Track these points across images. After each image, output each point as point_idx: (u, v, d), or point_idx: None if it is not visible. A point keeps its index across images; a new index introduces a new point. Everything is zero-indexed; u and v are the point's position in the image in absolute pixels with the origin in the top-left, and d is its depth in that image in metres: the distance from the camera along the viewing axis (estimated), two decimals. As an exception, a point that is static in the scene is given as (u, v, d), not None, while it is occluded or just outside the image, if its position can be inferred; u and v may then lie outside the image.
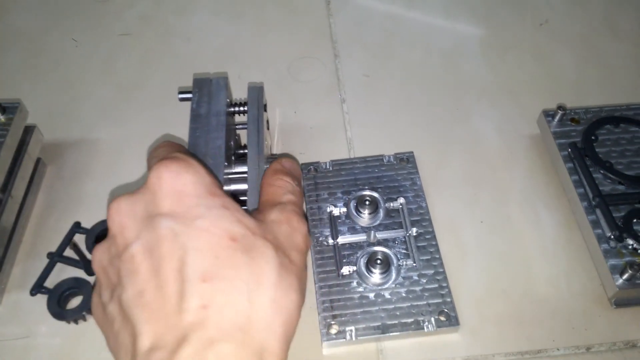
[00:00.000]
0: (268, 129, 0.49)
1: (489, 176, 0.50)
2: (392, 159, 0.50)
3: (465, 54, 0.59)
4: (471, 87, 0.57)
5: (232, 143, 0.44)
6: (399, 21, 0.63)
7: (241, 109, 0.44)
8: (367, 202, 0.46)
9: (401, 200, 0.46)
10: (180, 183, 0.29)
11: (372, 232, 0.44)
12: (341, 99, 0.56)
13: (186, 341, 0.25)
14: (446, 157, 0.51)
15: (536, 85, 0.56)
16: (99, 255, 0.30)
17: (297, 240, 0.31)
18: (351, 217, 0.46)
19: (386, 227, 0.45)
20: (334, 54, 0.60)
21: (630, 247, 0.40)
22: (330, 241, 0.44)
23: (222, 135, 0.40)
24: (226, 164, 0.39)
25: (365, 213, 0.46)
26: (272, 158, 0.41)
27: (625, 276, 0.39)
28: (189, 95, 0.42)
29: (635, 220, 0.41)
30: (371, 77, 0.58)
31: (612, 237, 0.40)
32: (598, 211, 0.41)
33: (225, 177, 0.38)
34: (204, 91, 0.42)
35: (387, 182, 0.48)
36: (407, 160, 0.50)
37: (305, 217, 0.43)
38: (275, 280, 0.28)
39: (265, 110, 0.45)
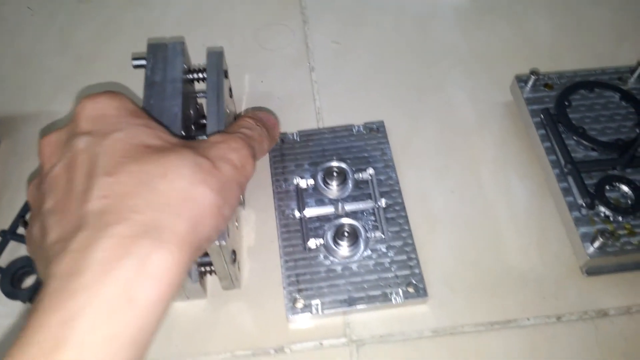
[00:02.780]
0: (231, 96, 0.47)
1: (461, 145, 0.48)
2: (361, 129, 0.48)
3: (440, 20, 0.57)
4: (445, 54, 0.55)
5: (191, 112, 0.42)
6: (371, -14, 0.60)
7: (200, 75, 0.42)
8: (335, 174, 0.44)
9: (370, 171, 0.45)
10: (101, 107, 0.29)
11: (340, 204, 0.43)
12: (310, 68, 0.54)
13: (82, 227, 0.25)
14: (418, 126, 0.50)
15: (511, 51, 0.55)
16: (31, 191, 0.31)
17: (231, 156, 0.30)
18: (319, 189, 0.44)
19: (355, 199, 0.44)
20: (302, 20, 0.58)
21: (602, 214, 0.39)
22: (297, 214, 0.43)
23: (178, 103, 0.38)
24: (184, 133, 0.37)
25: (334, 185, 0.44)
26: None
27: (596, 244, 0.38)
28: (143, 62, 0.40)
29: (607, 188, 0.40)
30: (341, 45, 0.56)
31: (584, 204, 0.39)
32: (570, 178, 0.40)
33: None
34: (159, 57, 0.40)
35: (357, 153, 0.46)
36: (377, 129, 0.48)
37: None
38: (185, 173, 0.27)
39: (226, 77, 0.43)
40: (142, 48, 0.54)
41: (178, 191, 0.26)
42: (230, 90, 0.46)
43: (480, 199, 0.45)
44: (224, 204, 0.29)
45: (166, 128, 0.31)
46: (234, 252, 0.37)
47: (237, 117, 0.49)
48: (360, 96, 0.52)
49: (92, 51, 0.55)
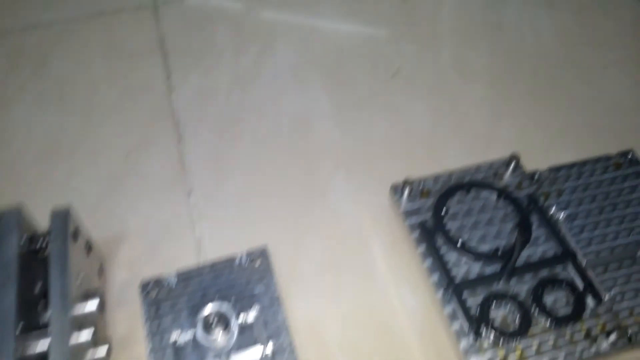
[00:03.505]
0: (90, 251, 0.42)
1: (350, 260, 0.46)
2: (244, 259, 0.45)
3: (318, 117, 0.56)
4: (326, 155, 0.53)
5: (37, 288, 0.37)
6: (246, 89, 0.58)
7: (45, 242, 0.38)
8: (216, 321, 0.41)
9: (255, 311, 0.42)
10: None
11: (223, 358, 0.39)
12: (187, 190, 0.51)
13: None
14: (303, 244, 0.47)
15: (391, 144, 0.54)
16: None
17: None
18: (199, 343, 0.40)
19: (241, 347, 0.40)
20: (177, 137, 0.55)
21: (490, 339, 0.37)
22: (174, 379, 0.39)
23: (12, 292, 0.33)
24: (23, 323, 0.33)
25: (216, 334, 0.41)
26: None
27: (488, 374, 0.36)
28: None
29: (493, 305, 0.38)
30: (219, 160, 0.53)
31: (470, 331, 0.37)
32: (454, 300, 0.39)
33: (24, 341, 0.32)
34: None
35: (240, 290, 0.43)
36: (260, 256, 0.45)
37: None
38: None
39: (76, 240, 0.39)
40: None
41: None
42: (89, 244, 0.42)
43: (374, 323, 0.42)
44: None
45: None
46: None
47: (101, 268, 0.44)
48: (243, 216, 0.49)
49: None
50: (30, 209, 0.45)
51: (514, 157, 0.45)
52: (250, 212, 0.49)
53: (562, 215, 0.46)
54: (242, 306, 0.42)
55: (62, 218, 0.38)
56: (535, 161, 0.50)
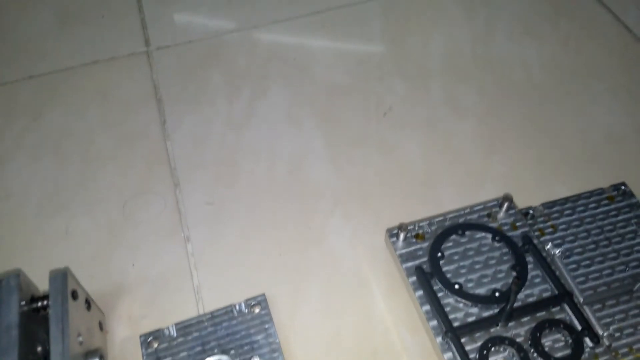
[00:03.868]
0: (89, 309, 0.43)
1: (349, 303, 0.46)
2: (243, 308, 0.45)
3: (313, 158, 0.56)
4: (322, 196, 0.54)
5: (39, 349, 0.38)
6: (240, 132, 0.59)
7: (45, 303, 0.38)
8: (216, 375, 0.41)
9: (254, 361, 0.42)
10: None
11: (224, 413, 0.39)
12: (185, 238, 0.51)
13: None
14: (302, 288, 0.47)
15: (387, 182, 0.54)
16: None
17: None
18: (199, 398, 0.40)
19: (241, 399, 0.40)
20: (173, 183, 0.55)
21: (490, 383, 0.37)
22: None
23: (13, 357, 0.34)
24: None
25: (216, 388, 0.41)
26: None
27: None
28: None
29: (493, 350, 0.38)
30: (216, 205, 0.53)
31: (470, 378, 0.37)
32: (452, 346, 0.39)
33: None
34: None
35: (240, 340, 0.43)
36: (259, 304, 0.45)
37: None
38: None
39: (75, 299, 0.39)
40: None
41: None
42: (88, 301, 0.42)
43: (374, 370, 0.42)
44: None
45: None
46: None
47: (102, 323, 0.45)
48: (241, 263, 0.49)
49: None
50: (30, 263, 0.46)
51: (507, 198, 0.46)
52: (248, 258, 0.50)
53: (557, 252, 0.46)
54: (242, 357, 0.42)
55: (61, 280, 0.39)
56: (530, 195, 0.51)
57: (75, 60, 0.65)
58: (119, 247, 0.51)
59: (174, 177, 0.56)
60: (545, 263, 0.43)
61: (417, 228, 0.45)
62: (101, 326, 0.44)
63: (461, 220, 0.46)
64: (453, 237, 0.45)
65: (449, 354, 0.39)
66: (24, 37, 0.68)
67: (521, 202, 0.50)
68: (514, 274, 0.42)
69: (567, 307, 0.41)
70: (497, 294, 0.41)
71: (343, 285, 0.47)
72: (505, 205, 0.46)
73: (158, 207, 0.53)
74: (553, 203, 0.50)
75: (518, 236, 0.45)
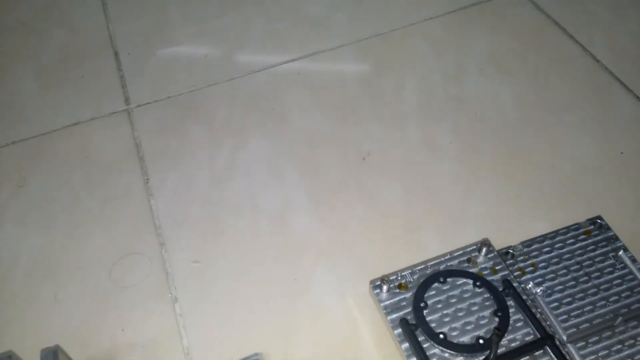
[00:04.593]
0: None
1: (340, 356, 0.47)
2: (234, 368, 0.45)
3: (295, 208, 0.57)
4: (306, 247, 0.54)
5: None
6: (223, 186, 0.60)
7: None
8: None
9: None
10: None
11: None
12: (173, 298, 0.52)
13: None
14: (294, 343, 0.48)
15: (369, 228, 0.55)
16: None
17: None
18: None
19: None
20: (159, 243, 0.56)
21: None
22: None
23: None
24: None
25: None
26: None
27: None
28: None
29: (478, 399, 0.39)
30: (202, 263, 0.54)
31: None
32: (441, 399, 0.39)
33: None
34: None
35: (230, 402, 0.43)
36: (250, 365, 0.46)
37: None
38: None
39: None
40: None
41: None
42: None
43: None
44: None
45: None
46: None
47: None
48: (229, 321, 0.50)
49: None
50: (22, 333, 0.47)
51: (485, 243, 0.47)
52: (237, 316, 0.50)
53: (539, 291, 0.47)
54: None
55: (52, 358, 0.39)
56: (509, 234, 0.52)
57: (57, 122, 0.66)
58: (108, 313, 0.51)
59: (159, 236, 0.56)
60: (525, 306, 0.44)
61: (399, 278, 0.46)
62: (92, 398, 0.44)
63: (442, 267, 0.47)
64: (435, 284, 0.45)
65: (437, 407, 0.39)
66: (5, 102, 0.69)
67: (501, 241, 0.51)
68: (496, 320, 0.43)
69: (549, 350, 0.41)
70: (481, 341, 0.42)
71: (333, 337, 0.48)
72: (484, 249, 0.47)
73: (145, 268, 0.54)
74: (532, 241, 0.51)
75: (498, 280, 0.46)
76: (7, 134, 0.66)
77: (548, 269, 0.48)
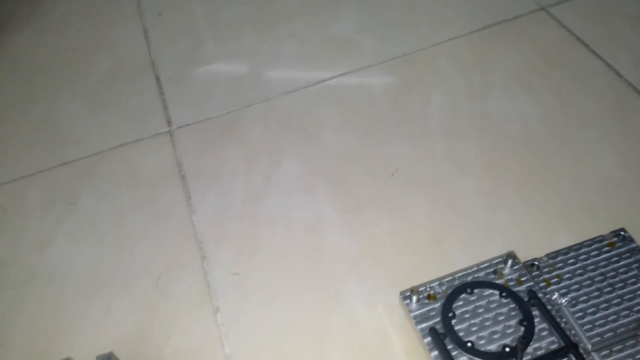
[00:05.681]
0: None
1: (371, 365, 0.49)
2: (272, 374, 0.48)
3: (326, 223, 0.60)
4: (338, 260, 0.57)
5: None
6: (259, 202, 0.63)
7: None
8: None
9: None
10: None
11: None
12: (214, 309, 0.55)
13: None
14: (325, 352, 0.51)
15: (398, 241, 0.58)
16: None
17: None
18: None
19: None
20: (200, 256, 0.59)
21: None
22: None
23: None
24: None
25: None
26: None
27: None
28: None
29: (505, 404, 0.41)
30: (240, 275, 0.58)
31: None
32: (469, 404, 0.41)
33: None
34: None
35: (270, 406, 0.46)
36: (287, 369, 0.49)
37: None
38: None
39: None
40: (49, 327, 0.55)
41: None
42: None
43: None
44: None
45: None
46: None
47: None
48: (267, 330, 0.53)
49: (-4, 343, 0.55)
50: (76, 344, 0.51)
51: (510, 255, 0.49)
52: (274, 324, 0.53)
53: (564, 301, 0.49)
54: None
55: None
56: (534, 246, 0.54)
57: (104, 144, 0.71)
58: (155, 322, 0.55)
59: (200, 250, 0.60)
60: (550, 316, 0.46)
61: (428, 289, 0.49)
62: (144, 401, 0.48)
63: (469, 278, 0.49)
64: (463, 295, 0.48)
65: (466, 411, 0.41)
66: (56, 125, 0.75)
67: (526, 254, 0.53)
68: (522, 329, 0.45)
69: (573, 358, 0.43)
70: (507, 349, 0.44)
71: (365, 346, 0.51)
72: (510, 262, 0.49)
73: (188, 280, 0.58)
74: (557, 253, 0.53)
75: (524, 291, 0.48)
76: (59, 156, 0.71)
77: (573, 280, 0.50)
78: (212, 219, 0.62)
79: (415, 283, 0.50)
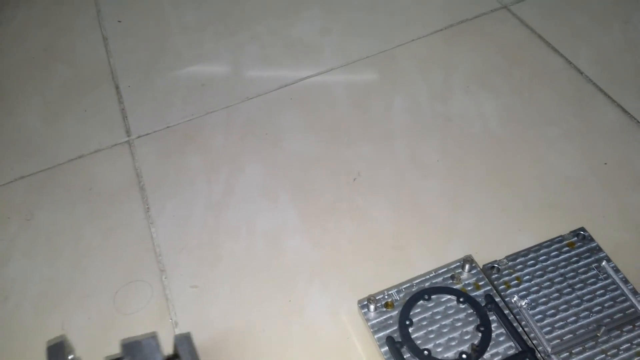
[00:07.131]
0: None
1: (331, 375, 0.49)
2: (230, 389, 0.47)
3: (289, 231, 0.59)
4: (300, 268, 0.56)
5: None
6: (220, 211, 0.62)
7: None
8: None
9: None
10: None
11: None
12: (173, 323, 0.54)
13: None
14: (286, 365, 0.50)
15: (360, 247, 0.57)
16: None
17: None
18: None
19: None
20: (159, 269, 0.58)
21: None
22: None
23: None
24: None
25: None
26: None
27: None
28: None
29: (462, 413, 0.41)
30: (199, 287, 0.56)
31: None
32: (425, 414, 0.41)
33: None
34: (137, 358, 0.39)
35: (228, 422, 0.45)
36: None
37: None
38: None
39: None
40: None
41: None
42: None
43: None
44: None
45: None
46: None
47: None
48: (229, 343, 0.52)
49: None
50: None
51: (467, 259, 0.49)
52: (233, 338, 0.52)
53: (524, 304, 0.49)
54: None
55: (187, 341, 0.42)
56: (495, 248, 0.54)
57: (61, 156, 0.70)
58: (113, 339, 0.53)
59: (159, 263, 0.59)
60: (507, 321, 0.45)
61: (386, 297, 0.48)
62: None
63: (427, 284, 0.48)
64: (420, 302, 0.47)
65: (422, 422, 0.41)
66: (12, 138, 0.73)
67: (488, 256, 0.52)
68: (479, 335, 0.45)
69: (530, 363, 0.43)
70: (464, 356, 0.44)
71: (327, 356, 0.50)
72: (467, 266, 0.48)
73: (146, 295, 0.56)
74: (516, 255, 0.52)
75: (481, 295, 0.47)
76: (15, 169, 0.69)
77: (532, 282, 0.50)
78: (172, 231, 0.61)
79: (377, 289, 0.49)
